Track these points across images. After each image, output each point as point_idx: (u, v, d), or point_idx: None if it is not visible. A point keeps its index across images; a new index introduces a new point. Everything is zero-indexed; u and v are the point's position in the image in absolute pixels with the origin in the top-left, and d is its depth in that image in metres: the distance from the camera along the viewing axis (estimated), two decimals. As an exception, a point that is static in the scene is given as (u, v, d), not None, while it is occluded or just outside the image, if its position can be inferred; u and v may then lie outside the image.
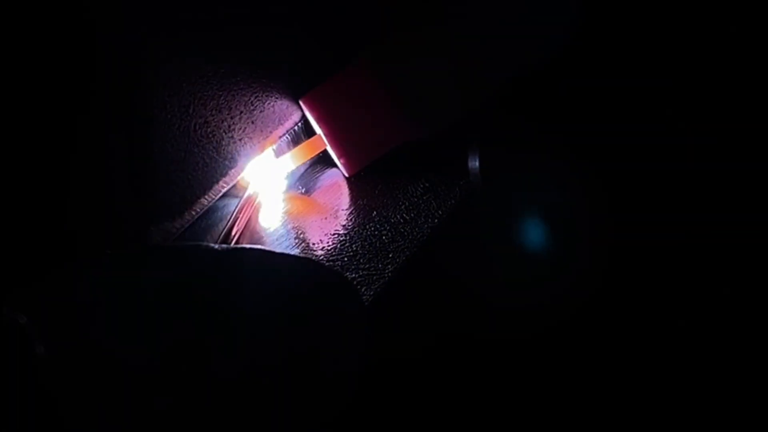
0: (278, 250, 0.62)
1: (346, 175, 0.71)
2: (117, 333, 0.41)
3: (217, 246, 0.46)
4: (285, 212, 0.70)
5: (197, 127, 0.60)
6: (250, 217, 0.68)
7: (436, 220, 0.61)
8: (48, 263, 0.53)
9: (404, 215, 0.63)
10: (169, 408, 0.40)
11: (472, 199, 0.62)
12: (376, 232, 0.62)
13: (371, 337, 0.46)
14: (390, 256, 0.59)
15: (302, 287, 0.45)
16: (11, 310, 0.41)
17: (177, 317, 0.42)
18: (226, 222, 0.64)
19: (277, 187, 0.73)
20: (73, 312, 0.42)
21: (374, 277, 0.57)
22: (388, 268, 0.57)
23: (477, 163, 0.61)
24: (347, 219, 0.65)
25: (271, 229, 0.67)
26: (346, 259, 0.59)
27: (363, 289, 0.55)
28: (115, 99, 0.55)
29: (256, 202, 0.69)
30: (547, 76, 0.68)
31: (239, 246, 0.47)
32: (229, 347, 0.41)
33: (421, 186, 0.67)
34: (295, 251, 0.62)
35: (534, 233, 0.61)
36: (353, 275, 0.57)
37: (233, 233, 0.63)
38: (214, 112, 0.62)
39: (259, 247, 0.48)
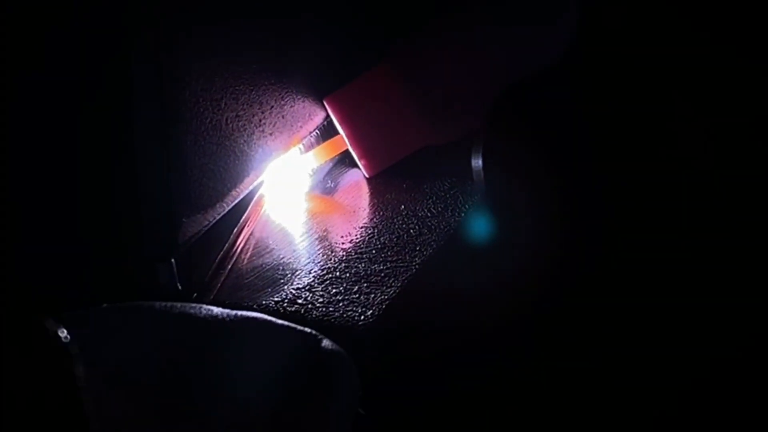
0: (302, 242, 0.63)
1: (367, 175, 0.72)
2: (99, 393, 0.40)
3: (217, 310, 0.46)
4: (309, 209, 0.71)
5: (229, 120, 0.61)
6: (267, 217, 0.70)
7: (462, 214, 0.62)
8: (84, 260, 0.54)
9: (431, 209, 0.64)
10: None
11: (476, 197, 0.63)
12: (404, 225, 0.62)
13: (363, 415, 0.46)
14: (417, 248, 0.59)
15: (297, 366, 0.44)
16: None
17: (166, 382, 0.42)
18: (234, 227, 0.65)
19: (300, 185, 0.74)
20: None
21: (401, 269, 0.57)
22: (416, 261, 0.58)
23: (480, 162, 0.62)
24: (375, 213, 0.66)
25: (298, 224, 0.68)
26: (374, 251, 0.60)
27: (391, 281, 0.56)
28: (147, 93, 0.56)
29: (264, 205, 0.70)
30: (551, 78, 0.68)
31: (240, 314, 0.47)
32: (214, 416, 0.41)
33: (448, 181, 0.67)
34: (324, 244, 0.63)
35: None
36: (381, 267, 0.58)
37: (236, 245, 0.64)
38: (245, 106, 0.63)
39: (260, 316, 0.48)
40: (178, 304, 0.47)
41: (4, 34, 0.49)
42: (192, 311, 0.45)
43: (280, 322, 0.47)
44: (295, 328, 0.48)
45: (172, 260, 0.58)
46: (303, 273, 0.59)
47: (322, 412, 0.43)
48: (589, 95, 0.67)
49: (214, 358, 0.43)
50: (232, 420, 0.41)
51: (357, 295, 0.55)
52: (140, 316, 0.45)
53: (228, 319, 0.46)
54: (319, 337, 0.47)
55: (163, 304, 0.46)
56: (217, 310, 0.46)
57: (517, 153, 0.64)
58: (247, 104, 0.63)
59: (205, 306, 0.46)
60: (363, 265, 0.59)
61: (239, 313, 0.47)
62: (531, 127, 0.65)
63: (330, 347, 0.46)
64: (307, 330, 0.49)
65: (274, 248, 0.64)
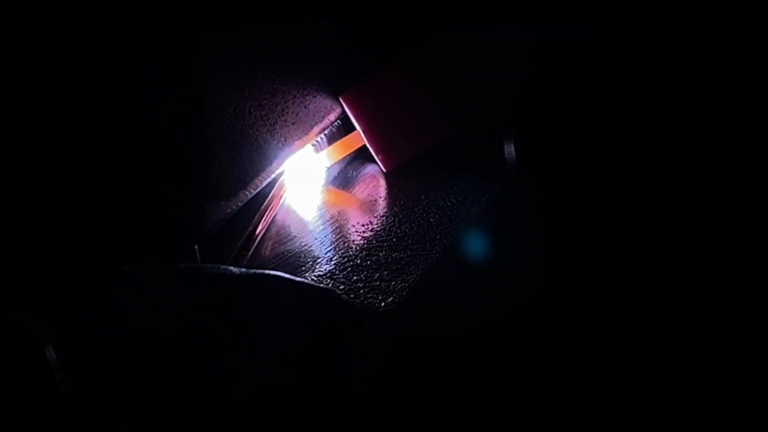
0: (331, 230, 0.64)
1: (384, 170, 0.72)
2: (128, 349, 0.42)
3: (236, 269, 0.47)
4: (329, 200, 0.72)
5: (252, 109, 0.62)
6: (287, 207, 0.71)
7: (482, 204, 0.62)
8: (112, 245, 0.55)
9: (452, 198, 0.64)
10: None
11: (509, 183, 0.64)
12: (424, 215, 0.63)
13: (383, 365, 0.46)
14: (437, 237, 0.60)
15: (317, 320, 0.45)
16: (23, 315, 0.42)
17: (189, 339, 0.43)
18: (255, 214, 0.66)
19: (319, 177, 0.75)
20: (87, 324, 0.43)
21: (422, 257, 0.58)
22: (436, 249, 0.58)
23: (513, 150, 0.63)
24: (395, 202, 0.66)
25: (318, 214, 0.69)
26: (394, 239, 0.60)
27: (411, 269, 0.56)
28: (173, 82, 0.56)
29: (284, 195, 0.71)
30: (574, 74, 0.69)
31: (258, 271, 0.47)
32: (237, 371, 0.42)
33: (468, 172, 0.68)
34: (344, 233, 0.64)
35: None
36: (401, 255, 0.58)
37: (259, 228, 0.65)
38: (268, 95, 0.63)
39: (277, 273, 0.48)
40: (198, 265, 0.48)
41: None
42: (212, 271, 0.46)
43: (298, 279, 0.48)
44: (312, 285, 0.48)
45: (195, 246, 0.59)
46: (324, 261, 0.60)
47: (345, 365, 0.43)
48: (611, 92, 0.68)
49: (235, 315, 0.44)
50: (255, 375, 0.41)
51: (378, 283, 0.56)
52: (162, 277, 0.46)
53: (247, 277, 0.46)
54: (338, 292, 0.47)
55: (183, 265, 0.47)
56: (235, 269, 0.47)
57: (546, 142, 0.64)
58: (270, 94, 0.64)
59: (223, 266, 0.47)
60: (383, 254, 0.59)
61: (257, 271, 0.47)
62: (558, 122, 0.65)
63: (349, 302, 0.47)
64: (324, 286, 0.49)
65: (295, 236, 0.65)
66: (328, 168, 0.75)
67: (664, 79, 0.66)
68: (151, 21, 0.54)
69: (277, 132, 0.65)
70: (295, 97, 0.66)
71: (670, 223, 0.62)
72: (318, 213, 0.69)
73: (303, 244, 0.64)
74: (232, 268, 0.47)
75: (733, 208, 0.61)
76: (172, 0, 0.55)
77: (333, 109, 0.73)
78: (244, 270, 0.47)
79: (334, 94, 0.72)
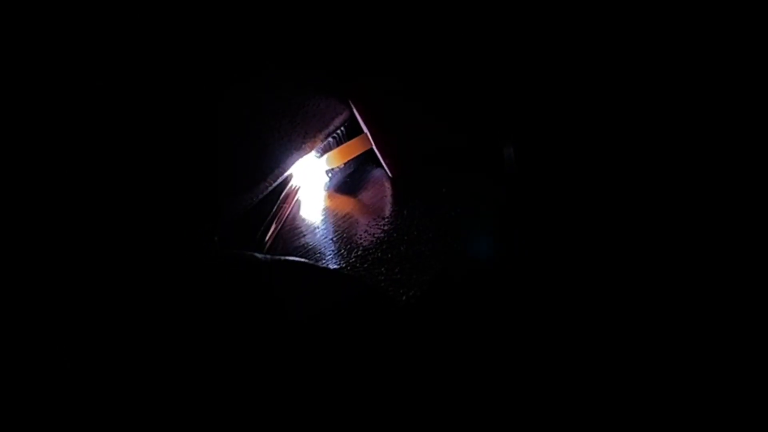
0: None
1: (391, 175, 0.71)
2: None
3: (262, 256, 0.47)
4: (339, 203, 0.71)
5: (268, 108, 0.62)
6: (299, 207, 0.71)
7: (502, 200, 0.62)
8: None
9: (472, 193, 0.64)
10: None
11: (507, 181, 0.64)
12: (445, 209, 0.63)
13: (405, 342, 0.47)
14: (459, 231, 0.59)
15: (336, 298, 0.46)
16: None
17: (215, 320, 0.43)
18: (268, 215, 0.66)
19: (326, 183, 0.75)
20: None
21: (443, 251, 0.58)
22: (457, 243, 0.58)
23: (512, 152, 0.63)
24: (410, 202, 0.66)
25: (338, 211, 0.68)
26: (415, 233, 0.60)
27: (431, 263, 0.56)
28: (195, 85, 0.56)
29: (297, 195, 0.71)
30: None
31: (284, 258, 0.48)
32: (262, 349, 0.42)
33: (485, 172, 0.67)
34: (365, 228, 0.63)
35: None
36: (422, 249, 0.58)
37: (273, 227, 0.65)
38: (283, 96, 0.63)
39: (302, 260, 0.49)
40: (228, 251, 0.49)
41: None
42: (241, 258, 0.46)
43: (322, 266, 0.48)
44: (340, 272, 0.48)
45: (215, 238, 0.59)
46: (344, 253, 0.60)
47: (367, 339, 0.44)
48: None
49: (266, 297, 0.44)
50: (286, 351, 0.42)
51: (399, 276, 0.55)
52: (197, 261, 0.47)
53: (275, 262, 0.47)
54: (365, 280, 0.47)
55: (217, 251, 0.48)
56: (261, 256, 0.47)
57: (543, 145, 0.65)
58: (285, 94, 0.64)
59: (251, 253, 0.47)
60: (404, 248, 0.59)
61: (284, 257, 0.47)
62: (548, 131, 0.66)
63: (377, 290, 0.47)
64: (351, 273, 0.49)
65: (310, 232, 0.65)
66: (336, 170, 0.74)
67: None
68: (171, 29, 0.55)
69: (294, 129, 0.65)
70: (308, 97, 0.66)
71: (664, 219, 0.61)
72: (330, 212, 0.68)
73: (320, 238, 0.63)
74: (258, 254, 0.47)
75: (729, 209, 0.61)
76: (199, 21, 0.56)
77: (343, 111, 0.73)
78: (270, 256, 0.47)
79: (345, 97, 0.72)
